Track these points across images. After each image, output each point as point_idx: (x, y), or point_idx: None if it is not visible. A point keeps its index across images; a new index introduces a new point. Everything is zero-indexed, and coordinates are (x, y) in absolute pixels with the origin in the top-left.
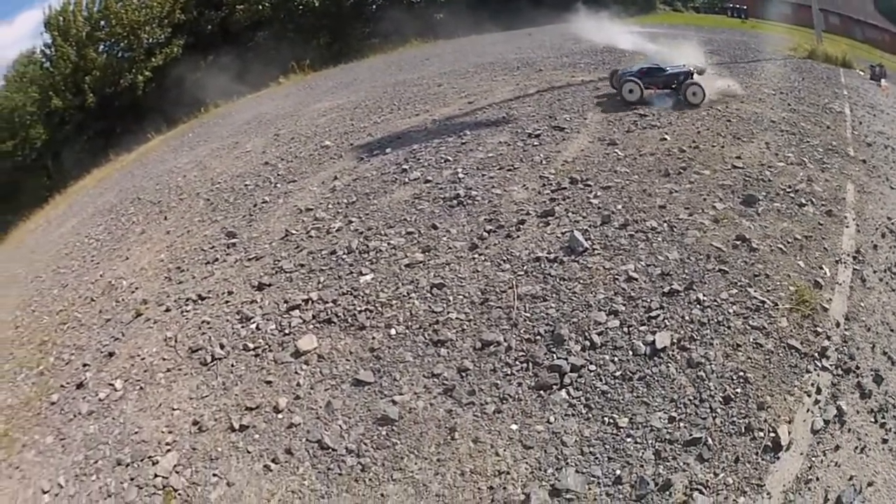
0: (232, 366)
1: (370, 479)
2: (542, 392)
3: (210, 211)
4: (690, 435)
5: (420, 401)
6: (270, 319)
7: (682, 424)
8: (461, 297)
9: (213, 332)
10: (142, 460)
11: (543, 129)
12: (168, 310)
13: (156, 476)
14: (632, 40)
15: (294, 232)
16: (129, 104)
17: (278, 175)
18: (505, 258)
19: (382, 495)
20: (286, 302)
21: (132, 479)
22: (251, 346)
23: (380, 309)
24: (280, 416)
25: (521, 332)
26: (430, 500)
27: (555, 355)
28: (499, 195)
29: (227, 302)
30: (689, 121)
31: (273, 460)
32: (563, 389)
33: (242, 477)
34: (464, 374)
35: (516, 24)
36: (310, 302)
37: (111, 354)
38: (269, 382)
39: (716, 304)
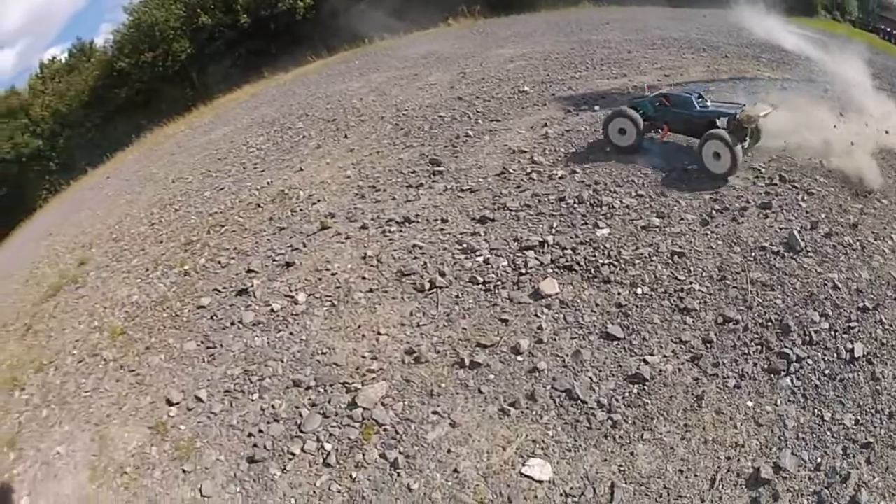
0: (457, 297)
1: (620, 437)
2: (771, 375)
3: (402, 136)
4: (866, 439)
5: (669, 364)
6: (501, 256)
7: (862, 427)
8: (700, 269)
9: (428, 258)
10: (331, 385)
11: None
12: (364, 227)
13: (351, 406)
14: (794, 41)
15: (512, 171)
16: (284, 28)
17: (477, 112)
18: (734, 240)
19: (632, 454)
20: (517, 241)
21: (314, 405)
22: (480, 279)
23: (623, 266)
24: (520, 358)
25: (755, 315)
26: (675, 463)
27: (783, 343)
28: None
29: (441, 230)
30: None
31: (512, 404)
32: (789, 377)
33: (471, 418)
34: (708, 346)
35: (684, 2)
36: (545, 245)
37: (288, 265)
38: (504, 321)
39: (892, 328)
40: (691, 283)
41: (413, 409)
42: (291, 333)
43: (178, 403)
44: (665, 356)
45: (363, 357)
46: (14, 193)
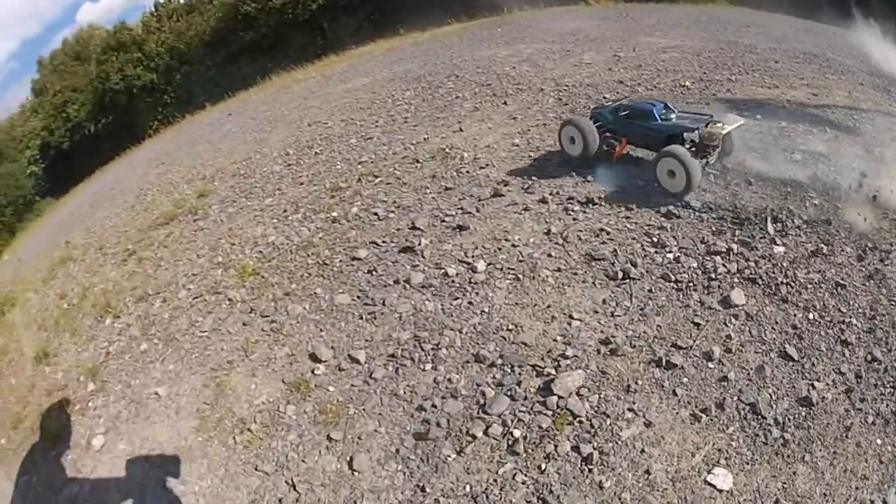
0: (650, 291)
1: (787, 456)
2: None
3: (567, 111)
4: None
5: (829, 392)
6: (691, 256)
7: None
8: (857, 305)
9: (617, 245)
10: (520, 366)
11: None
12: (544, 201)
13: (544, 391)
14: None
15: None
16: None
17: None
18: (881, 282)
19: (794, 473)
20: (703, 243)
21: (500, 385)
22: (672, 277)
23: (798, 288)
24: (711, 365)
25: (893, 358)
26: (822, 487)
27: None
28: None
29: (627, 217)
30: None
31: (703, 410)
32: None
33: (664, 420)
34: (858, 380)
35: (808, 12)
36: (731, 253)
37: (461, 228)
38: (696, 324)
39: None
40: (850, 316)
41: (609, 403)
42: (471, 303)
43: (325, 361)
44: (827, 384)
45: (555, 340)
46: (122, 121)
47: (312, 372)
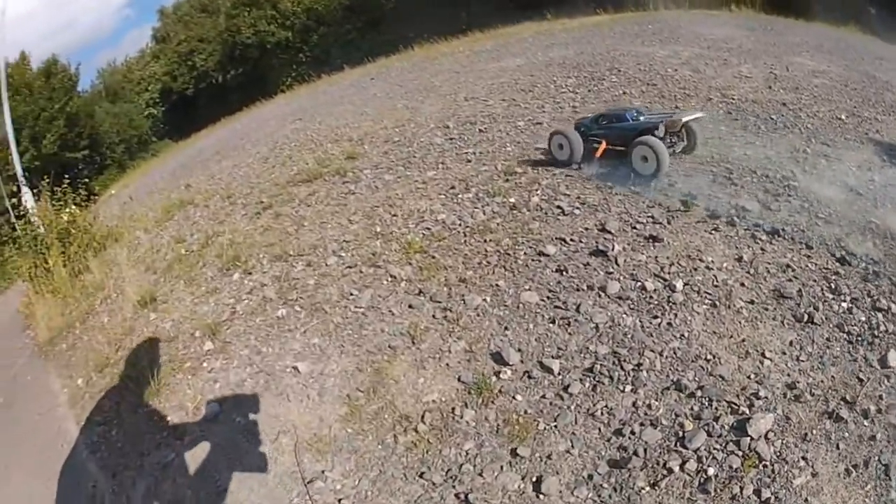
0: (827, 340)
1: None
2: None
3: (739, 128)
4: None
5: None
6: (860, 308)
7: None
8: None
9: (801, 285)
10: (717, 401)
11: None
12: (731, 223)
13: (737, 430)
14: None
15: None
16: None
17: (806, 128)
18: None
19: None
20: (870, 296)
21: (698, 418)
22: (845, 327)
23: None
24: (866, 423)
25: None
26: None
27: None
28: None
29: (807, 256)
30: None
31: (854, 466)
32: None
33: (826, 472)
34: None
35: None
36: (889, 312)
37: (654, 239)
38: (860, 380)
39: None
40: None
41: (788, 449)
42: (670, 324)
43: (512, 365)
44: None
45: (748, 378)
46: (252, 74)
47: (497, 375)
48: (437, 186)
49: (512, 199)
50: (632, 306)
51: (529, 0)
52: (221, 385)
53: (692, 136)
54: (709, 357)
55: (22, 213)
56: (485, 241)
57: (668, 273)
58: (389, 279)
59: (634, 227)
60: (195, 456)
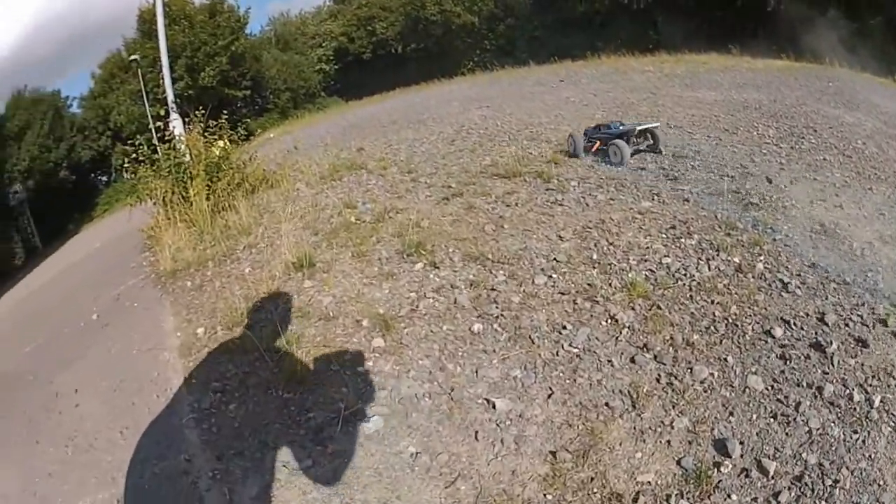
0: None
1: None
2: None
3: None
4: None
5: None
6: None
7: None
8: None
9: None
10: None
11: None
12: None
13: None
14: None
15: None
16: (753, 9)
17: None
18: None
19: None
20: None
21: None
22: None
23: None
24: None
25: None
26: None
27: None
28: None
29: None
30: None
31: None
32: None
33: None
34: None
35: None
36: None
37: (861, 343)
38: None
39: None
40: None
41: None
42: (864, 442)
43: (732, 458)
44: None
45: None
46: (433, 51)
47: (717, 467)
48: (656, 222)
49: (736, 259)
50: (839, 416)
51: (717, 31)
52: (389, 395)
53: (656, 138)
54: (881, 483)
55: (168, 137)
56: (711, 301)
57: (870, 385)
58: (609, 321)
59: (847, 325)
60: (336, 472)
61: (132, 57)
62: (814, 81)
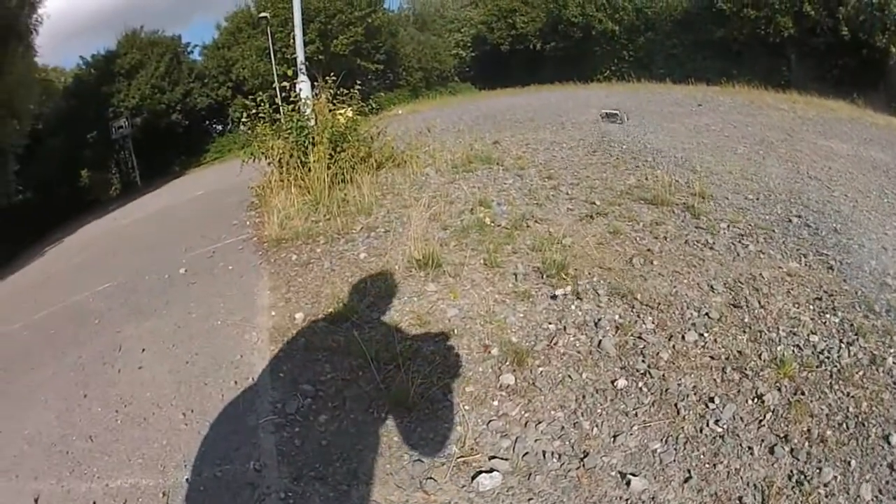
0: None
1: None
2: None
3: None
4: None
5: None
6: None
7: None
8: None
9: None
10: None
11: None
12: None
13: None
14: None
15: None
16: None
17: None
18: None
19: None
20: None
21: None
22: None
23: None
24: None
25: None
26: None
27: None
28: None
29: None
30: None
31: None
32: None
33: None
34: None
35: None
36: None
37: None
38: None
39: None
40: None
41: None
42: None
43: None
44: None
45: None
46: (571, 53)
47: None
48: (804, 289)
49: (872, 347)
50: None
51: (844, 77)
52: (512, 447)
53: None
54: None
55: (293, 98)
56: (847, 394)
57: None
58: (755, 400)
59: None
60: None
61: (262, 14)
62: None
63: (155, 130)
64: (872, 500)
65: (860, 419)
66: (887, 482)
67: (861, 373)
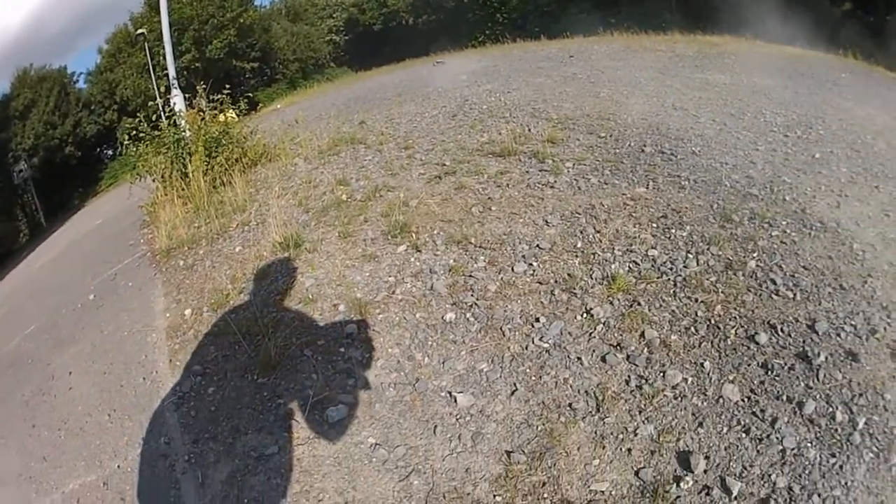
0: None
1: None
2: None
3: None
4: None
5: None
6: None
7: None
8: None
9: None
10: None
11: None
12: None
13: None
14: None
15: None
16: None
17: None
18: None
19: None
20: None
21: None
22: None
23: None
24: None
25: None
26: None
27: None
28: None
29: None
30: None
31: None
32: None
33: None
34: None
35: None
36: None
37: (853, 356)
38: None
39: None
40: None
41: None
42: (841, 467)
43: (695, 474)
44: None
45: None
46: (444, 23)
47: (677, 482)
48: (648, 210)
49: (728, 254)
50: (818, 436)
51: (732, 13)
52: (355, 384)
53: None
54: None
55: (169, 114)
56: (695, 300)
57: (855, 405)
58: (584, 315)
59: (838, 335)
60: (300, 461)
61: (139, 31)
62: (826, 71)
63: (52, 167)
64: (743, 399)
65: (714, 322)
66: (762, 381)
67: (714, 279)
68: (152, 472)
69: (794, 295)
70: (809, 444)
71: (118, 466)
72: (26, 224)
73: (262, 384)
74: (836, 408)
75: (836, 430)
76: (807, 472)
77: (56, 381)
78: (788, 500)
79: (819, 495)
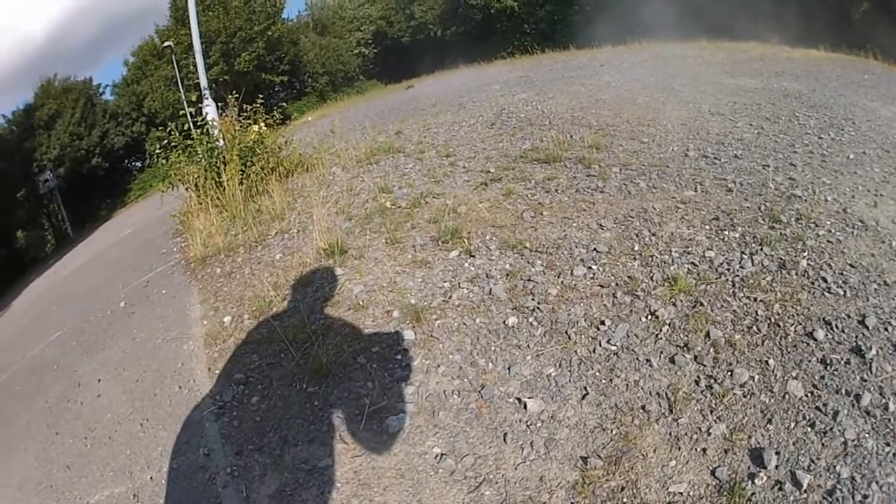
0: None
1: None
2: None
3: None
4: None
5: None
6: None
7: None
8: None
9: None
10: None
11: None
12: None
13: None
14: None
15: None
16: None
17: None
18: None
19: None
20: None
21: None
22: None
23: None
24: None
25: None
26: None
27: None
28: None
29: None
30: None
31: None
32: None
33: None
34: None
35: None
36: None
37: None
38: None
39: None
40: None
41: None
42: (895, 455)
43: (768, 469)
44: None
45: None
46: (473, 34)
47: (751, 479)
48: (699, 213)
49: (780, 253)
50: (874, 426)
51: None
52: (416, 391)
53: None
54: None
55: (201, 122)
56: (754, 299)
57: None
58: (649, 317)
59: (886, 329)
60: (358, 474)
61: (166, 43)
62: (850, 73)
63: (78, 178)
64: (806, 395)
65: (773, 321)
66: (822, 376)
67: (769, 278)
68: (189, 485)
69: (844, 292)
70: (867, 435)
71: (150, 478)
72: (52, 234)
73: (313, 393)
74: (889, 399)
75: (890, 419)
76: (866, 461)
77: (83, 388)
78: (852, 489)
79: (877, 482)
